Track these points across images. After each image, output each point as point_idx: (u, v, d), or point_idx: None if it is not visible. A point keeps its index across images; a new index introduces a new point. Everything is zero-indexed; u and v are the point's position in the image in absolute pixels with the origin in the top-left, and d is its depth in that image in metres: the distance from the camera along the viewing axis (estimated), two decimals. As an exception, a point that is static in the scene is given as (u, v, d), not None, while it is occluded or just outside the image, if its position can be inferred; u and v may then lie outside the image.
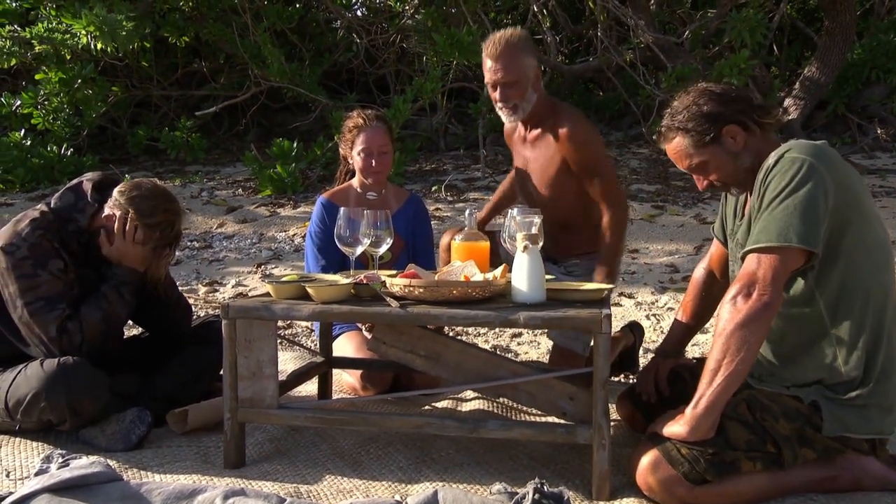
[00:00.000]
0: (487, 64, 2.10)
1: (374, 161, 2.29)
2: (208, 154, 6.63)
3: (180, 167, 6.35)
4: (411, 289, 1.57)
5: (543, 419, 1.90)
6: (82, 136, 6.14)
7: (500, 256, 2.06)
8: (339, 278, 1.76)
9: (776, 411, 1.45)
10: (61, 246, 1.82)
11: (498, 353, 2.76)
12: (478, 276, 1.66)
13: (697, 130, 1.50)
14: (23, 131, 5.86)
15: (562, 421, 1.61)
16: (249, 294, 3.64)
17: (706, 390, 1.41)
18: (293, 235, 4.68)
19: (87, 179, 1.92)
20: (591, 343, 2.14)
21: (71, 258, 1.83)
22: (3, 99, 5.87)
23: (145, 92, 6.71)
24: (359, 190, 2.36)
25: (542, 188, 2.18)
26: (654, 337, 3.02)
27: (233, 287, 3.81)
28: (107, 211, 1.86)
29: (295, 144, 5.60)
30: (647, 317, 3.24)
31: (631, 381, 2.41)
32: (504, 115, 2.17)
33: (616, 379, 2.42)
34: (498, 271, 1.69)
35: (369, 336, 2.08)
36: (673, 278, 3.86)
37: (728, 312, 1.38)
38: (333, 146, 5.34)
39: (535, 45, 2.15)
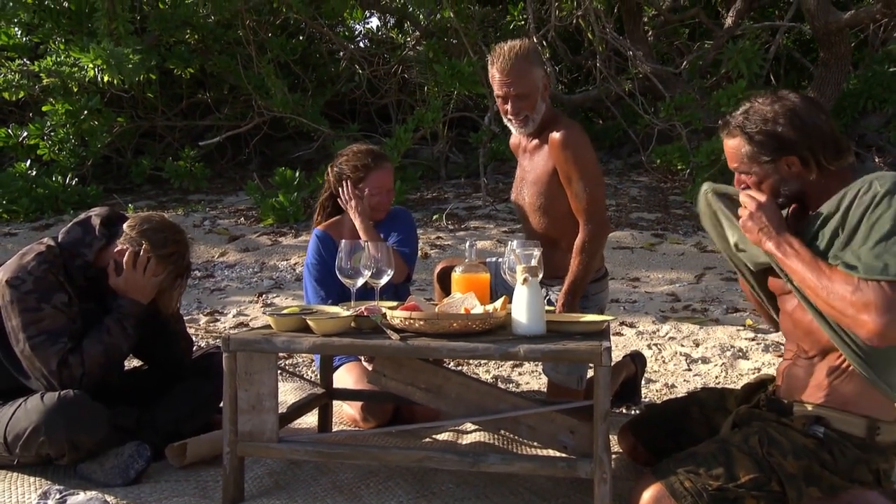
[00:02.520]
0: (496, 77, 2.07)
1: (384, 199, 2.34)
2: (211, 183, 6.68)
3: (183, 196, 6.39)
4: (411, 321, 1.57)
5: (544, 453, 1.89)
6: (87, 167, 6.19)
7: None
8: (340, 311, 1.76)
9: (785, 447, 1.44)
10: (67, 280, 1.83)
11: (499, 383, 2.75)
12: (478, 309, 1.67)
13: (761, 146, 1.46)
14: (28, 162, 5.91)
15: (563, 454, 1.59)
16: (250, 324, 3.64)
17: (798, 256, 1.40)
18: (295, 264, 4.70)
19: (96, 214, 1.94)
20: (586, 377, 2.17)
21: (76, 292, 1.84)
22: (10, 130, 5.94)
23: (150, 122, 6.79)
24: (353, 221, 2.36)
25: (534, 198, 2.15)
26: (655, 367, 3.00)
27: (234, 317, 3.80)
28: (119, 246, 1.88)
29: (297, 174, 5.65)
30: (649, 346, 3.23)
31: (633, 412, 2.39)
32: (514, 127, 2.15)
33: (618, 410, 2.41)
34: (498, 303, 1.69)
35: (370, 367, 2.07)
36: (674, 307, 3.85)
37: (853, 297, 1.31)
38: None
39: (541, 55, 2.13)
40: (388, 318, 1.63)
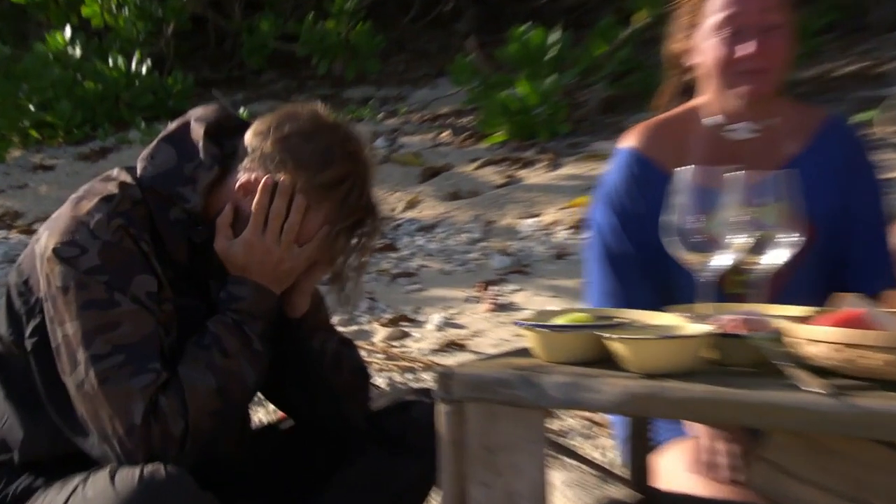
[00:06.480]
0: None
1: (749, 46, 2.34)
2: (386, 63, 6.99)
3: (336, 91, 6.80)
4: (855, 350, 1.49)
5: None
6: (165, 38, 6.82)
7: None
8: (681, 322, 1.77)
9: None
10: (155, 251, 1.94)
11: None
12: None
13: None
14: (68, 31, 6.61)
15: None
16: (476, 345, 3.74)
17: None
18: (552, 224, 4.76)
19: (197, 119, 2.06)
20: None
21: (170, 273, 1.96)
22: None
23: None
24: (709, 121, 2.41)
25: None
26: None
27: (438, 328, 3.96)
28: (241, 177, 1.97)
29: (562, 32, 5.71)
30: None
31: None
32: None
33: None
34: None
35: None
36: None
37: None
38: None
39: None
40: (788, 338, 1.59)
